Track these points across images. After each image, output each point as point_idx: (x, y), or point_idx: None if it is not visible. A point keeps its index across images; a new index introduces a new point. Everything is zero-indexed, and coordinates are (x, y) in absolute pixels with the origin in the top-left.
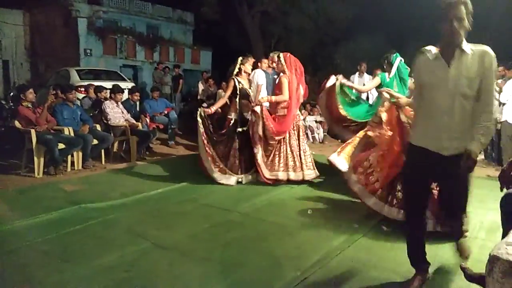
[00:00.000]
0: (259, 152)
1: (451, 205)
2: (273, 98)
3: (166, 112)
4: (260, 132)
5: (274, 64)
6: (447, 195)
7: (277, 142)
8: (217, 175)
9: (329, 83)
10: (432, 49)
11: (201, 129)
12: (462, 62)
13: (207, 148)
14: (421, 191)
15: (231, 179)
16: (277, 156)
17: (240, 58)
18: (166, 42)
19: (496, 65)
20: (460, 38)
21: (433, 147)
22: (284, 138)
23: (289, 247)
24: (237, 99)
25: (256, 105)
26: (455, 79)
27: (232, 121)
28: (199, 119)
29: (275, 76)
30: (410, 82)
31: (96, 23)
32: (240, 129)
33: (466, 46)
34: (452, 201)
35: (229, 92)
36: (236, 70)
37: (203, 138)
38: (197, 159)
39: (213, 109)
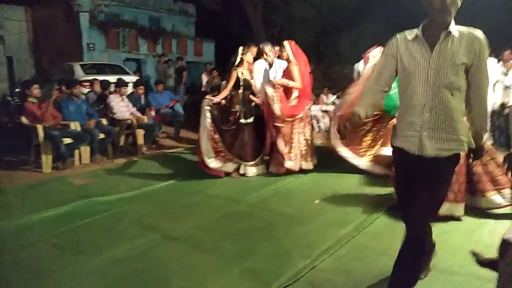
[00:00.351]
0: (279, 140)
1: (418, 210)
2: (290, 83)
3: (171, 105)
4: (278, 112)
5: (265, 56)
6: (419, 199)
7: (291, 132)
8: (216, 163)
9: (374, 56)
10: (414, 31)
11: (208, 119)
12: (448, 46)
13: (212, 139)
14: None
15: (231, 166)
16: (292, 145)
17: (241, 48)
18: (168, 34)
19: (487, 52)
20: (450, 17)
21: (413, 149)
22: (298, 127)
23: (298, 236)
24: (240, 91)
25: (270, 85)
26: (438, 67)
27: (238, 114)
28: (206, 107)
29: (267, 67)
30: None
31: (98, 17)
32: (244, 121)
33: (454, 28)
34: (423, 206)
35: (231, 83)
36: (238, 60)
37: (211, 128)
38: (197, 152)
39: (217, 99)
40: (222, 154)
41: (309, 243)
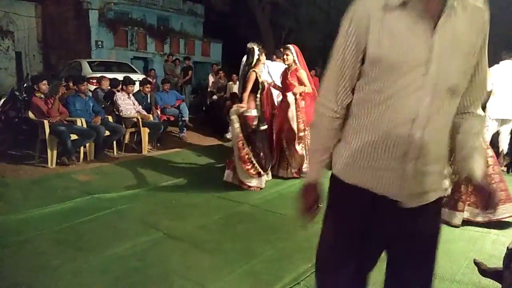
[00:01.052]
0: (297, 144)
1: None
2: (306, 89)
3: (177, 104)
4: (294, 123)
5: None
6: (400, 271)
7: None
8: (252, 181)
9: None
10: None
11: (237, 129)
12: (453, 24)
13: (244, 152)
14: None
15: (262, 180)
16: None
17: (257, 48)
18: (176, 34)
19: None
20: None
21: (386, 191)
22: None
23: (300, 239)
24: (258, 94)
25: (293, 93)
26: (444, 56)
27: (256, 119)
28: (234, 116)
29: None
30: None
31: (107, 15)
32: (263, 127)
33: None
34: (408, 280)
35: (250, 86)
36: (255, 61)
37: (240, 141)
38: (228, 165)
39: (244, 105)
40: (253, 170)
41: (310, 247)
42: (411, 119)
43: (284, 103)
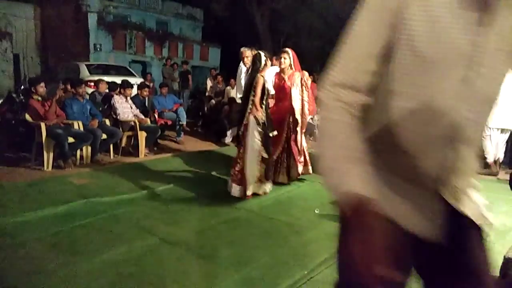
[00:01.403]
0: (293, 146)
1: None
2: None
3: (174, 108)
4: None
5: (246, 59)
6: None
7: (301, 138)
8: (252, 188)
9: None
10: None
11: (258, 140)
12: (505, 18)
13: (258, 160)
14: None
15: (265, 187)
16: (300, 150)
17: (263, 53)
18: (175, 38)
19: None
20: None
21: (411, 226)
22: (301, 132)
23: (296, 246)
24: (264, 100)
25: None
26: (488, 60)
27: (264, 126)
28: (257, 126)
29: (244, 70)
30: None
31: (106, 18)
32: (272, 134)
33: None
34: None
35: (259, 91)
36: (262, 66)
37: (260, 147)
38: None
39: (260, 111)
40: (260, 178)
41: (307, 253)
42: (448, 138)
43: (281, 103)
